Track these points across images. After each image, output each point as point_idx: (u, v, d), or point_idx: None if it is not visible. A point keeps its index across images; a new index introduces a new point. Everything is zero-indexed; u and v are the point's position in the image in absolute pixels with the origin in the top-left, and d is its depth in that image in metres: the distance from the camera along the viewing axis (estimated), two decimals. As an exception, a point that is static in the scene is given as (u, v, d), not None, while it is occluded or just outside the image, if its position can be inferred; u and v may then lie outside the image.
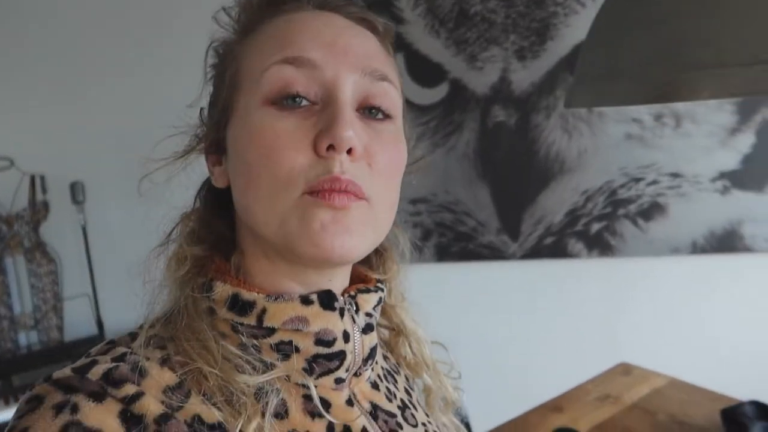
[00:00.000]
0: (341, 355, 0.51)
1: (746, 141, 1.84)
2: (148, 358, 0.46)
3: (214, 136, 0.53)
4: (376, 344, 0.56)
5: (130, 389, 0.43)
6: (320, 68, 0.47)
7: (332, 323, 0.50)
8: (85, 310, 2.19)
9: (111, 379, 0.43)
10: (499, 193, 1.95)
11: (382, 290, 0.57)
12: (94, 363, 0.45)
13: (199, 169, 0.58)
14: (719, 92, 0.53)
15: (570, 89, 0.71)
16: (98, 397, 0.42)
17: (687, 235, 1.90)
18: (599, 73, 0.63)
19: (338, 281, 0.54)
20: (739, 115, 1.82)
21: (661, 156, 1.88)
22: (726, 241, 1.89)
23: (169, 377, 0.45)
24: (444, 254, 1.98)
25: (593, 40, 0.67)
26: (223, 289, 0.50)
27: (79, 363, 0.45)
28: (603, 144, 1.88)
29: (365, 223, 0.48)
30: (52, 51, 2.09)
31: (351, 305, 0.53)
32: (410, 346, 0.65)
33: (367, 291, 0.55)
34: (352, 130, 0.45)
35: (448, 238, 1.97)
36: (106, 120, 2.14)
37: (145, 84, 2.07)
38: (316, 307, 0.50)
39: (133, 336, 0.50)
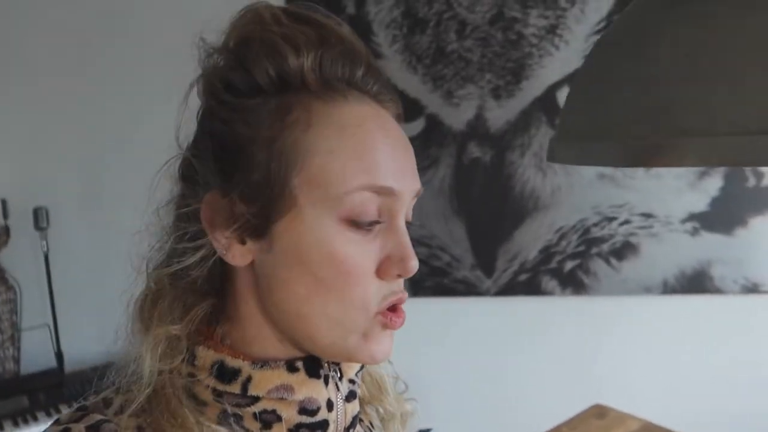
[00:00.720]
0: (324, 425, 0.50)
1: (715, 184, 1.88)
2: (126, 427, 0.45)
3: (256, 219, 0.47)
4: (358, 412, 0.55)
5: None
6: (395, 197, 0.48)
7: (317, 391, 0.49)
8: (44, 341, 2.10)
9: None
10: (474, 228, 1.95)
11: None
12: (67, 431, 0.44)
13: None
14: (705, 160, 0.52)
15: (552, 143, 0.71)
16: None
17: (659, 275, 1.92)
18: (583, 131, 0.63)
19: None
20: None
21: (633, 196, 1.90)
22: (696, 282, 1.91)
23: None
24: (418, 289, 1.96)
25: (577, 96, 0.67)
26: (206, 356, 0.49)
27: (51, 430, 0.44)
28: (577, 183, 1.90)
29: None
30: (15, 73, 2.04)
31: (335, 372, 0.52)
32: (371, 378, 0.64)
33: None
34: (416, 258, 0.49)
35: (422, 273, 1.95)
36: (72, 144, 2.08)
37: (113, 109, 2.03)
38: (301, 375, 0.49)
39: (106, 401, 0.49)
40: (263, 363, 0.48)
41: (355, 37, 0.49)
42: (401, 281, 0.50)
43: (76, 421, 0.45)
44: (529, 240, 1.95)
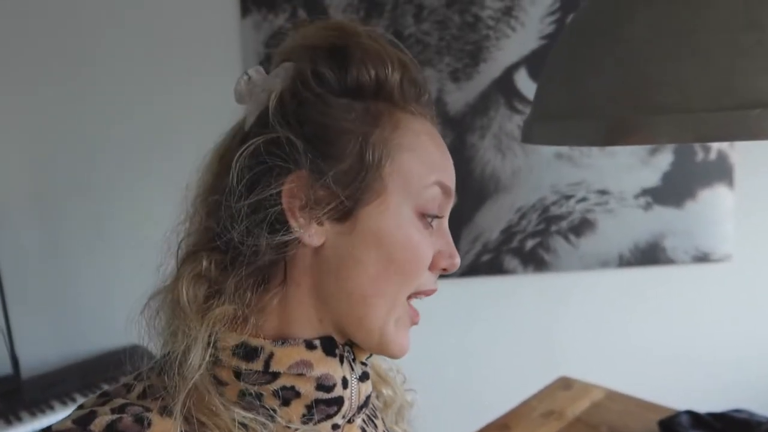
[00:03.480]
0: (339, 401, 0.53)
1: (665, 159, 1.95)
2: (149, 409, 0.47)
3: (342, 203, 0.51)
4: (371, 393, 0.58)
5: None
6: (450, 198, 0.56)
7: (333, 369, 0.52)
8: (-1, 346, 2.02)
9: (115, 431, 0.44)
10: (437, 211, 1.97)
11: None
12: (93, 414, 0.45)
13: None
14: (681, 137, 0.55)
15: (528, 125, 0.72)
16: None
17: (614, 249, 1.99)
18: (560, 111, 0.64)
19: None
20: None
21: (589, 174, 1.96)
22: (650, 254, 1.99)
23: (172, 426, 0.46)
24: (383, 274, 1.98)
25: (553, 76, 0.68)
26: (228, 337, 0.51)
27: (76, 415, 0.46)
28: (535, 163, 1.94)
29: None
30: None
31: (349, 353, 0.55)
32: (372, 368, 0.67)
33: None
34: None
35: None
36: (19, 142, 1.99)
37: (64, 103, 1.95)
38: (319, 352, 0.52)
39: (128, 387, 0.51)
40: (283, 341, 0.51)
41: (419, 67, 0.58)
42: (436, 275, 0.56)
43: (101, 405, 0.47)
44: (491, 221, 1.98)
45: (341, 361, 0.53)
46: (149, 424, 0.45)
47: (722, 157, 1.96)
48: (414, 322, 0.56)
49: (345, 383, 0.53)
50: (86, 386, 1.83)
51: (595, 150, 1.94)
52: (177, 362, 0.49)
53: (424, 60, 1.88)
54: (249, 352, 0.50)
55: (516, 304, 2.03)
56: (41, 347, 2.07)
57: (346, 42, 0.53)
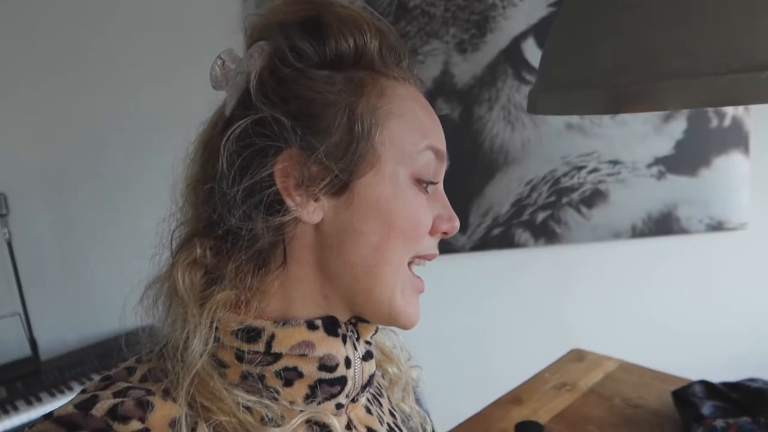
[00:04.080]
0: (342, 381, 0.53)
1: (679, 127, 1.91)
2: (151, 392, 0.47)
3: (336, 176, 0.51)
4: (374, 372, 0.58)
5: (135, 426, 0.44)
6: (443, 161, 0.56)
7: (335, 348, 0.52)
8: (16, 329, 2.05)
9: (117, 415, 0.44)
10: (446, 186, 1.94)
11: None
12: (95, 398, 0.45)
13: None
14: (690, 102, 0.53)
15: (533, 95, 0.70)
16: None
17: (627, 220, 1.97)
18: (566, 81, 0.62)
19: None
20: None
21: (601, 144, 1.93)
22: (663, 224, 1.96)
23: (174, 411, 0.46)
24: (394, 250, 1.97)
25: (556, 47, 0.66)
26: (229, 318, 0.50)
27: (78, 399, 0.46)
28: (545, 134, 1.91)
29: None
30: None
31: (353, 332, 0.55)
32: (377, 346, 0.67)
33: (368, 321, 0.56)
34: None
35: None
36: (29, 129, 2.00)
37: (74, 88, 1.95)
38: (320, 333, 0.52)
39: (130, 370, 0.51)
40: (285, 322, 0.51)
41: (396, 32, 0.57)
42: (437, 240, 0.56)
43: (103, 389, 0.47)
44: (501, 194, 1.97)
45: (344, 341, 0.53)
46: (152, 408, 0.45)
47: (737, 124, 1.92)
48: (420, 291, 0.56)
49: (348, 363, 0.53)
50: (105, 367, 1.86)
51: (606, 119, 1.90)
52: (179, 349, 0.48)
53: (430, 32, 1.85)
54: (250, 334, 0.50)
55: (528, 278, 2.03)
56: (58, 330, 2.10)
57: (319, 12, 0.52)
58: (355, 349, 0.54)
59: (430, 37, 1.85)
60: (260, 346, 0.50)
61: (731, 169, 1.94)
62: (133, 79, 1.94)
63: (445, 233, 0.56)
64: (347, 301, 0.53)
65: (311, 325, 0.51)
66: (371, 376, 0.57)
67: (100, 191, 2.06)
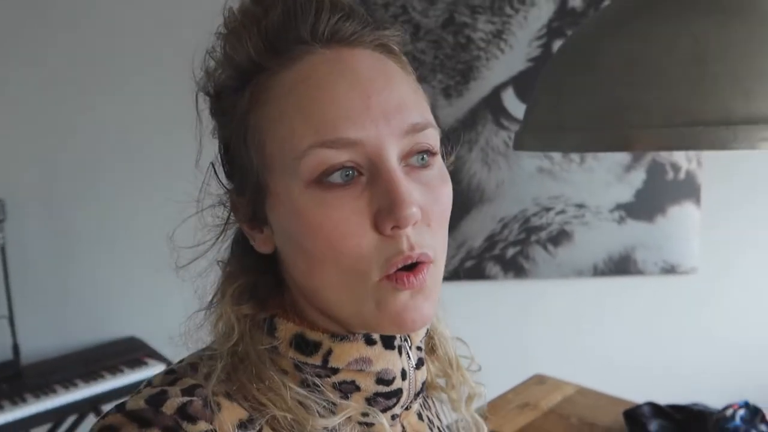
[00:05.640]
0: (399, 393, 0.51)
1: (639, 177, 2.11)
2: (216, 393, 0.45)
3: (251, 209, 0.49)
4: (426, 378, 0.56)
5: (203, 426, 0.43)
6: (361, 144, 0.43)
7: (392, 362, 0.50)
8: (1, 333, 2.08)
9: (186, 415, 0.42)
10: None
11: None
12: (164, 394, 0.44)
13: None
14: (646, 147, 0.68)
15: (519, 134, 0.85)
16: None
17: (589, 259, 2.14)
18: (547, 125, 0.77)
19: None
20: (633, 154, 2.08)
21: (568, 188, 2.10)
22: (622, 265, 2.14)
23: (240, 412, 0.45)
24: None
25: (540, 97, 0.81)
26: (286, 328, 0.50)
27: (147, 393, 0.44)
28: (518, 176, 2.08)
29: (436, 283, 0.47)
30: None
31: (407, 341, 0.53)
32: (439, 348, 0.63)
33: None
34: (413, 204, 0.43)
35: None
36: (27, 136, 2.08)
37: (69, 103, 2.04)
38: (378, 348, 0.50)
39: (193, 366, 0.49)
40: (342, 336, 0.49)
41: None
42: (405, 238, 0.44)
43: (171, 384, 0.46)
44: (475, 229, 2.12)
45: (400, 353, 0.51)
46: (219, 409, 0.44)
47: (691, 177, 2.12)
48: (404, 287, 0.45)
49: (404, 375, 0.52)
50: (88, 374, 1.90)
51: (574, 166, 2.08)
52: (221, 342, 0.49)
53: (420, 76, 2.00)
54: (308, 346, 0.49)
55: (496, 308, 2.16)
56: (41, 337, 2.13)
57: (211, 45, 0.50)
58: (409, 357, 0.53)
59: (419, 81, 2.01)
60: (317, 360, 0.49)
61: (684, 218, 2.13)
62: (131, 89, 2.04)
63: (396, 227, 0.43)
64: (334, 320, 0.50)
65: (369, 340, 0.50)
66: (423, 383, 0.55)
67: (91, 208, 2.13)
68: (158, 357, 2.02)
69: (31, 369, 2.00)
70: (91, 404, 1.86)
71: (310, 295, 0.49)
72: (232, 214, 0.52)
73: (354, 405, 0.49)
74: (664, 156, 2.09)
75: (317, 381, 0.48)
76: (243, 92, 0.47)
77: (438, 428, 0.60)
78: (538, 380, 1.73)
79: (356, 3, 0.49)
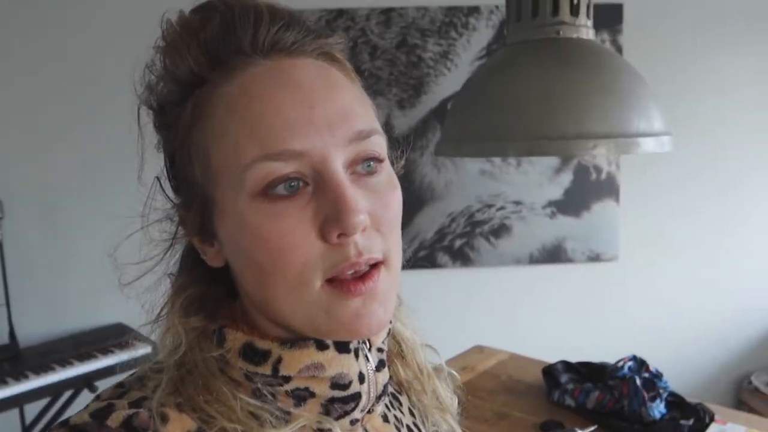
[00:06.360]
0: (357, 397, 0.50)
1: (567, 178, 2.43)
2: (165, 404, 0.44)
3: (199, 223, 0.49)
4: (388, 380, 0.55)
5: None
6: (306, 155, 0.43)
7: (347, 366, 0.49)
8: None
9: (131, 427, 0.42)
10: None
11: (390, 321, 0.55)
12: (111, 407, 0.43)
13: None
14: (513, 154, 1.00)
15: (438, 143, 1.15)
16: None
17: (526, 249, 2.45)
18: (455, 137, 1.07)
19: None
20: (561, 160, 2.41)
21: (507, 188, 2.42)
22: (554, 254, 2.46)
23: (188, 423, 0.44)
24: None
25: (451, 117, 1.11)
26: (235, 338, 0.48)
27: (94, 407, 0.44)
28: (464, 177, 2.39)
29: (390, 286, 0.47)
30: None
31: (364, 343, 0.52)
32: (407, 354, 0.62)
33: None
34: (359, 212, 0.43)
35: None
36: (23, 136, 2.25)
37: (64, 103, 2.22)
38: (331, 352, 0.48)
39: (141, 379, 0.48)
40: (292, 343, 0.48)
41: (240, 0, 0.46)
42: (353, 245, 0.44)
43: (118, 397, 0.45)
44: (427, 223, 2.42)
45: (356, 355, 0.50)
46: (166, 420, 0.43)
47: (611, 178, 2.46)
48: (350, 294, 0.44)
49: (362, 378, 0.50)
50: (82, 355, 2.11)
51: (511, 168, 2.40)
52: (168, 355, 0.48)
53: (377, 90, 2.31)
54: (257, 355, 0.48)
55: (445, 292, 2.46)
56: (37, 324, 2.32)
57: (151, 60, 0.49)
58: (368, 360, 0.51)
59: (376, 95, 2.31)
60: (267, 369, 0.47)
61: (606, 213, 2.46)
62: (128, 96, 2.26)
63: (343, 235, 0.43)
64: (288, 329, 0.48)
65: (321, 345, 0.48)
66: (385, 385, 0.53)
67: (83, 204, 2.32)
68: (145, 339, 2.22)
69: (30, 351, 2.20)
70: (85, 380, 2.06)
71: (262, 306, 0.48)
72: (180, 228, 0.51)
73: (307, 414, 0.48)
74: (588, 160, 2.42)
75: (269, 390, 0.47)
76: (185, 105, 0.47)
77: (407, 426, 0.58)
78: (478, 350, 2.03)
79: (296, 12, 0.48)
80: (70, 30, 2.23)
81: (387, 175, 0.48)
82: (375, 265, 0.45)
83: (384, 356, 0.53)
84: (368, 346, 0.52)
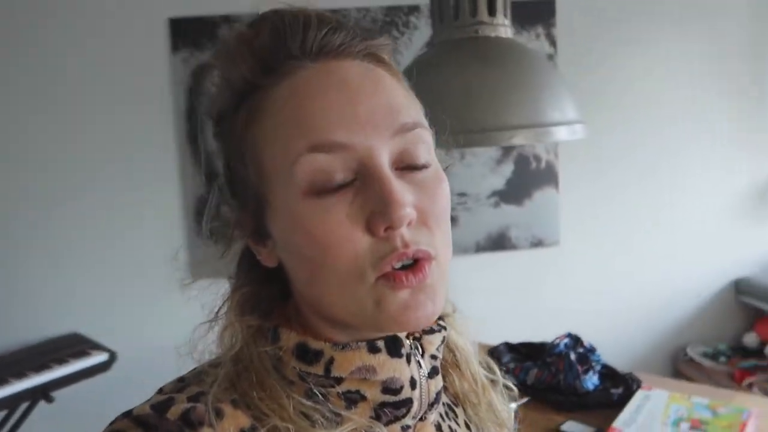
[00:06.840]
0: (408, 403, 0.50)
1: (508, 168, 2.54)
2: (220, 400, 0.46)
3: (254, 224, 0.51)
4: (442, 388, 0.55)
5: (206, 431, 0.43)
6: (351, 148, 0.45)
7: (399, 371, 0.49)
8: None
9: (189, 421, 0.43)
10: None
11: (445, 329, 0.56)
12: (171, 401, 0.45)
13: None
14: (443, 146, 1.06)
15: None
16: None
17: (472, 238, 2.55)
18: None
19: None
20: (502, 150, 2.52)
21: (452, 180, 2.45)
22: (499, 242, 2.56)
23: (243, 420, 0.45)
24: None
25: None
26: (289, 338, 0.50)
27: (155, 400, 0.45)
28: (410, 171, 2.46)
29: (439, 281, 0.48)
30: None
31: (417, 349, 0.52)
32: (461, 364, 0.62)
33: (431, 332, 0.53)
34: (405, 205, 0.44)
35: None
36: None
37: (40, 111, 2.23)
38: (383, 356, 0.49)
39: (200, 374, 0.49)
40: (344, 345, 0.49)
41: (291, 9, 0.49)
42: (399, 237, 0.45)
43: (179, 391, 0.47)
44: (377, 218, 2.48)
45: (408, 361, 0.50)
46: (222, 415, 0.45)
47: (550, 167, 2.58)
48: (401, 286, 0.45)
49: (413, 384, 0.50)
50: (37, 366, 2.07)
51: (456, 161, 2.49)
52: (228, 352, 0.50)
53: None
54: (310, 355, 0.49)
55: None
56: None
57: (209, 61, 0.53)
58: (420, 366, 0.51)
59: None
60: (319, 369, 0.49)
61: (546, 200, 2.58)
62: (74, 116, 2.28)
63: (389, 228, 0.44)
64: (344, 328, 0.50)
65: (372, 348, 0.49)
66: (438, 393, 0.53)
67: (36, 219, 2.32)
68: (101, 348, 2.21)
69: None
70: (42, 391, 2.03)
71: (314, 304, 0.49)
72: (236, 230, 0.53)
73: (358, 418, 0.48)
74: (528, 150, 2.54)
75: (322, 391, 0.48)
76: (239, 112, 0.49)
77: None
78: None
79: (343, 16, 0.53)
80: (71, 30, 2.25)
81: (435, 170, 0.51)
82: (424, 258, 0.46)
83: (438, 364, 0.54)
84: (421, 352, 0.52)
